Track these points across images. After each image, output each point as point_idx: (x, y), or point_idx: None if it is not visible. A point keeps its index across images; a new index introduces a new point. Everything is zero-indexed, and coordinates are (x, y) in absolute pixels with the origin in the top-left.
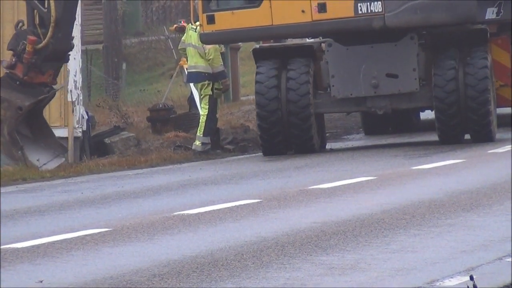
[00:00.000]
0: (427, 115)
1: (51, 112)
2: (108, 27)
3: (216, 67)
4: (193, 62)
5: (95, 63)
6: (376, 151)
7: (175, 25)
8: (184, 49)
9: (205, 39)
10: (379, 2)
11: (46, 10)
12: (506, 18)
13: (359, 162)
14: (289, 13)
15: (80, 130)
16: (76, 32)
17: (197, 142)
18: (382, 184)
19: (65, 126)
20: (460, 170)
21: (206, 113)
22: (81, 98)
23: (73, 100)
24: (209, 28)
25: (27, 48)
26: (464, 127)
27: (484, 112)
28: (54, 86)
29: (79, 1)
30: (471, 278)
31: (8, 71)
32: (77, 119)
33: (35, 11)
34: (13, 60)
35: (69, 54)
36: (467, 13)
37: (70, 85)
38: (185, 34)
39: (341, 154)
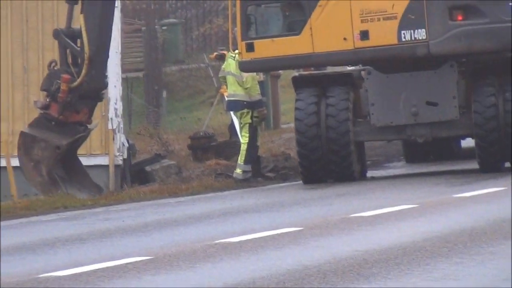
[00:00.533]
0: (468, 143)
1: (92, 140)
2: (149, 55)
3: (254, 95)
4: (232, 90)
5: (135, 91)
6: (417, 179)
7: (215, 53)
8: (224, 77)
9: (244, 67)
10: (423, 30)
11: (79, 48)
12: None
13: (400, 190)
14: (330, 41)
15: (121, 158)
16: (117, 59)
17: (238, 170)
18: (423, 212)
19: (105, 154)
20: (502, 197)
21: (247, 141)
22: (122, 126)
23: (114, 128)
24: (248, 56)
25: (61, 87)
26: (504, 154)
27: None
28: (89, 126)
29: (120, 37)
30: None
31: (42, 112)
32: (118, 147)
33: (68, 50)
34: (47, 100)
35: (103, 93)
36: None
37: (111, 113)
38: (225, 62)
39: (382, 182)
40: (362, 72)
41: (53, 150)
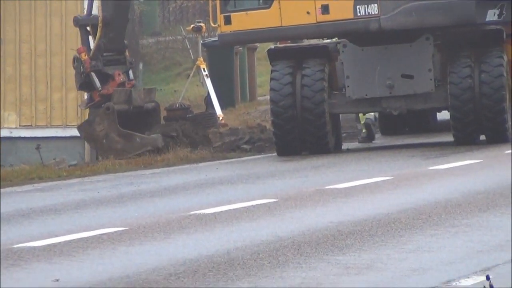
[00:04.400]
0: (444, 115)
1: (68, 112)
2: None
3: None
4: None
5: None
6: (392, 151)
7: (192, 25)
8: None
9: (222, 39)
10: (375, 4)
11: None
12: (507, 20)
13: (375, 162)
14: (296, 15)
15: None
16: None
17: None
18: (398, 184)
19: None
20: (477, 170)
21: None
22: None
23: None
24: (226, 29)
25: (82, 59)
26: (479, 126)
27: (499, 110)
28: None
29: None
30: (488, 278)
31: (89, 106)
32: None
33: (89, 36)
34: (87, 96)
35: (129, 61)
36: (465, 14)
37: None
38: None
39: (357, 154)
40: (338, 45)
41: (106, 115)
